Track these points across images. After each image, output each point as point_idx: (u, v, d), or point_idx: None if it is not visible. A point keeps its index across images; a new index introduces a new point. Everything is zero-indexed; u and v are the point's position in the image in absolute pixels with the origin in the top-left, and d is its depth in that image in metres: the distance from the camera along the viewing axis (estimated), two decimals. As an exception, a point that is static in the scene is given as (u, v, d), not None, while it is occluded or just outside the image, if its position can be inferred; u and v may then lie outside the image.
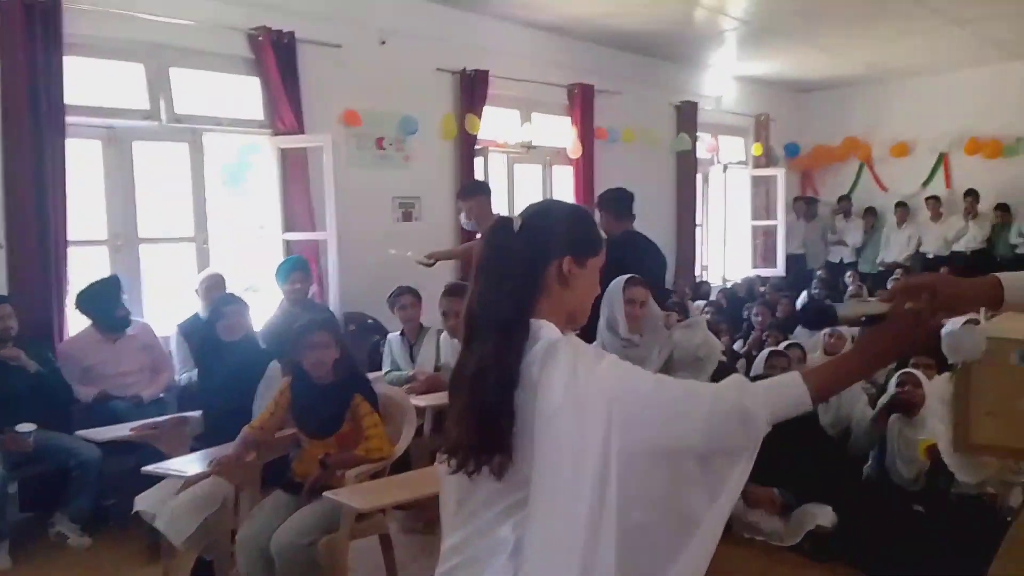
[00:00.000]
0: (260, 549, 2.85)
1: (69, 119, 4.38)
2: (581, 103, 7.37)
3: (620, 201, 4.29)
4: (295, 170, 5.44)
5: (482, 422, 1.31)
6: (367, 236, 5.70)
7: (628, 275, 3.29)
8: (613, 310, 3.24)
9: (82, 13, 4.41)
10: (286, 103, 5.25)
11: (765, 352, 4.67)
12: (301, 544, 2.81)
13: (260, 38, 5.16)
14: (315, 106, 5.44)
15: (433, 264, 4.97)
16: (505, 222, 1.44)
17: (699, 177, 9.08)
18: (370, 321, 5.61)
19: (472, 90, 6.43)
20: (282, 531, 2.83)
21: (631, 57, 7.90)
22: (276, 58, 5.18)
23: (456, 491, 1.43)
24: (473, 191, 4.77)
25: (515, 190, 7.25)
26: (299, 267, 4.90)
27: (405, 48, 5.99)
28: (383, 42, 5.88)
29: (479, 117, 6.47)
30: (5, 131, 4.18)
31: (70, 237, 4.42)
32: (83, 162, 4.62)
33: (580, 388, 1.29)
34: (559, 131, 7.45)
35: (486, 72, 6.47)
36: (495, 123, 6.86)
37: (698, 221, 9.10)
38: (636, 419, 1.29)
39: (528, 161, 7.36)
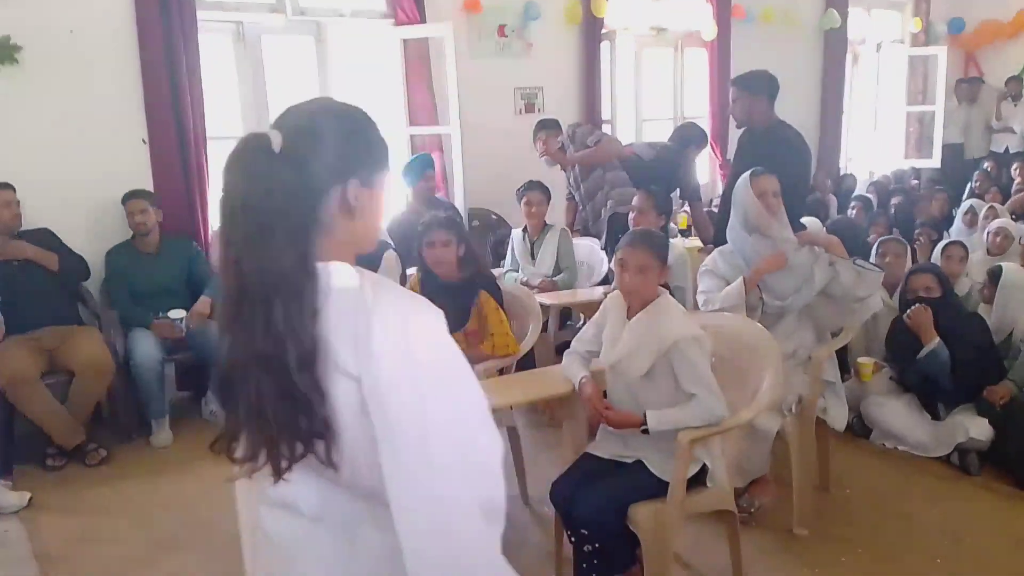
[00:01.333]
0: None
1: (200, 15, 4.43)
2: (716, -21, 6.81)
3: (762, 85, 3.86)
4: (417, 62, 5.34)
5: (291, 409, 1.02)
6: (490, 129, 5.58)
7: (751, 169, 3.04)
8: (747, 209, 3.01)
9: (206, -96, 4.38)
10: (407, -10, 5.11)
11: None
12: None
13: (379, -78, 4.98)
14: (436, -7, 5.27)
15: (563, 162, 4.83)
16: (256, 142, 1.05)
17: (848, 58, 8.31)
18: (494, 217, 5.58)
19: (597, -31, 6.04)
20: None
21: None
22: (396, -57, 5.01)
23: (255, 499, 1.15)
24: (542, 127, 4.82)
25: (643, 77, 6.89)
26: (430, 165, 4.89)
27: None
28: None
29: (605, -1, 6.10)
30: (140, 30, 4.27)
31: (208, 133, 4.56)
32: (215, 59, 4.69)
33: (404, 344, 1.02)
34: (692, 12, 6.94)
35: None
36: (623, 5, 6.45)
37: (843, 108, 8.39)
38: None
39: (658, 45, 6.93)
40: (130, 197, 4.16)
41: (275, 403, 1.03)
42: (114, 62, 4.25)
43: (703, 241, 4.77)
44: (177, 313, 4.01)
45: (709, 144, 5.21)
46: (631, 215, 3.72)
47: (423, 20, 5.21)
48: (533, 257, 4.37)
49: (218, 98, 4.70)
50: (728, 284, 3.01)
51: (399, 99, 5.39)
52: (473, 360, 2.93)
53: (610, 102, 6.52)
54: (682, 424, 2.31)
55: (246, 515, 1.24)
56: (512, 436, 3.18)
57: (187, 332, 4.01)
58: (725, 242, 3.86)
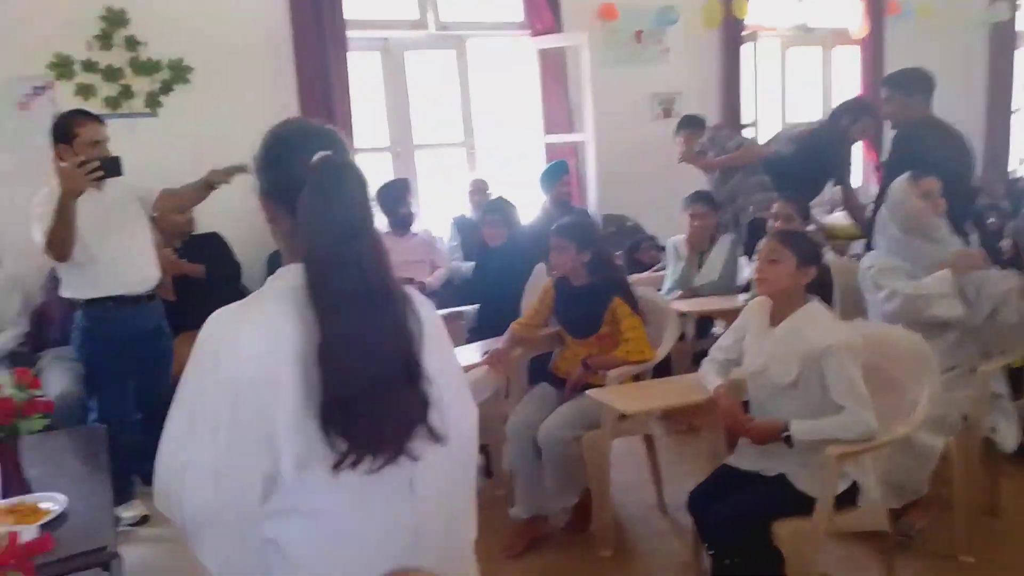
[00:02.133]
0: (528, 438, 2.98)
1: (349, 33, 4.69)
2: (869, -27, 6.46)
3: (917, 82, 3.65)
4: (552, 71, 5.40)
5: (412, 397, 1.24)
6: (625, 135, 5.56)
7: (910, 171, 2.86)
8: (908, 211, 2.83)
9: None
10: (543, 1, 5.18)
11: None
12: (566, 437, 2.90)
13: (519, -65, 5.09)
14: (572, 2, 5.31)
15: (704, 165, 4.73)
16: (354, 162, 1.25)
17: (1017, 54, 7.65)
18: (629, 223, 5.54)
19: (740, -31, 5.88)
20: (548, 423, 2.94)
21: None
22: (534, -45, 5.10)
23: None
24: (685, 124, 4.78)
25: (788, 78, 6.63)
26: (565, 171, 4.93)
27: (666, -71, 5.60)
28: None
29: (747, -1, 5.93)
30: (297, 48, 4.57)
31: (356, 146, 4.81)
32: (363, 75, 4.94)
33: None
34: (841, 8, 6.62)
35: (757, -52, 5.87)
36: (765, 5, 6.24)
37: (1014, 107, 7.73)
38: None
39: (804, 44, 6.66)
40: None
41: (399, 398, 1.20)
42: (273, 80, 4.57)
43: (856, 220, 4.57)
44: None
45: (871, 116, 4.68)
46: (772, 223, 3.60)
47: (559, 29, 5.27)
48: (699, 268, 4.24)
49: (364, 111, 4.94)
50: (908, 279, 2.83)
51: (535, 108, 5.46)
52: (606, 365, 2.98)
53: (753, 105, 6.32)
54: (829, 437, 2.21)
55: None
56: (648, 444, 3.14)
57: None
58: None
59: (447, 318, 3.78)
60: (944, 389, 2.57)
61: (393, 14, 5.07)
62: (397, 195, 4.72)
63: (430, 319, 1.32)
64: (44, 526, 2.09)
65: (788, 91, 6.67)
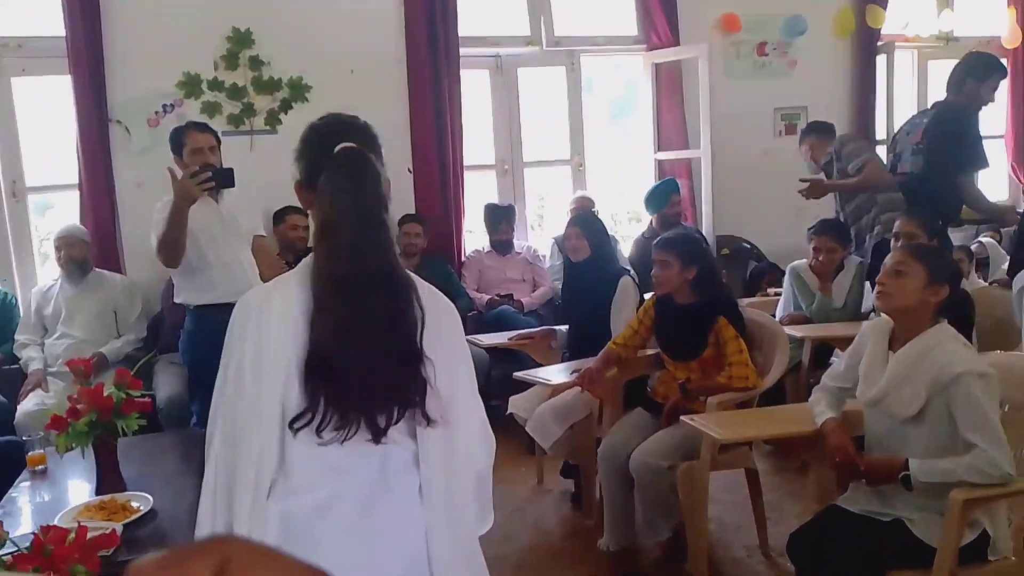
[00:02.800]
0: (620, 464, 2.83)
1: (462, 51, 4.72)
2: (1024, -24, 5.91)
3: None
4: (669, 85, 5.24)
5: (405, 378, 1.29)
6: (744, 153, 5.31)
7: None
8: None
9: (472, -53, 4.67)
10: (661, 13, 5.04)
11: None
12: (660, 466, 2.72)
13: (635, -52, 4.99)
14: (691, 14, 5.14)
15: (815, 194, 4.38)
16: (368, 155, 1.34)
17: None
18: (745, 245, 5.26)
19: (876, -24, 5.52)
20: (641, 450, 2.78)
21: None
22: (651, -33, 4.98)
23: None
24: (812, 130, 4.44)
25: (928, 93, 6.14)
26: (676, 190, 4.75)
27: (794, -65, 5.34)
28: (768, -68, 5.30)
29: (884, 7, 5.54)
30: (410, 67, 4.64)
31: (465, 162, 4.83)
32: (474, 91, 4.96)
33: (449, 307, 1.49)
34: (989, 16, 6.08)
35: (895, -47, 5.50)
36: (903, 13, 5.82)
37: None
38: None
39: (947, 56, 6.12)
40: (408, 220, 4.51)
41: (391, 376, 1.25)
42: (387, 97, 4.66)
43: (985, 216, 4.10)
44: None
45: (1001, 71, 4.02)
46: (895, 243, 3.26)
47: (677, 42, 5.10)
48: (824, 292, 3.90)
49: (475, 127, 4.95)
50: None
51: (648, 123, 5.31)
52: (707, 391, 2.78)
53: (886, 120, 5.89)
54: (955, 478, 1.93)
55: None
56: (751, 480, 2.90)
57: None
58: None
59: (541, 335, 3.72)
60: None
61: (506, 30, 5.07)
62: (498, 219, 4.71)
63: (437, 311, 1.35)
64: (129, 524, 2.14)
65: (928, 105, 6.17)
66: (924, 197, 3.85)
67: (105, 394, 2.43)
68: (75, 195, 4.22)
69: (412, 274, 1.36)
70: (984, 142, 4.06)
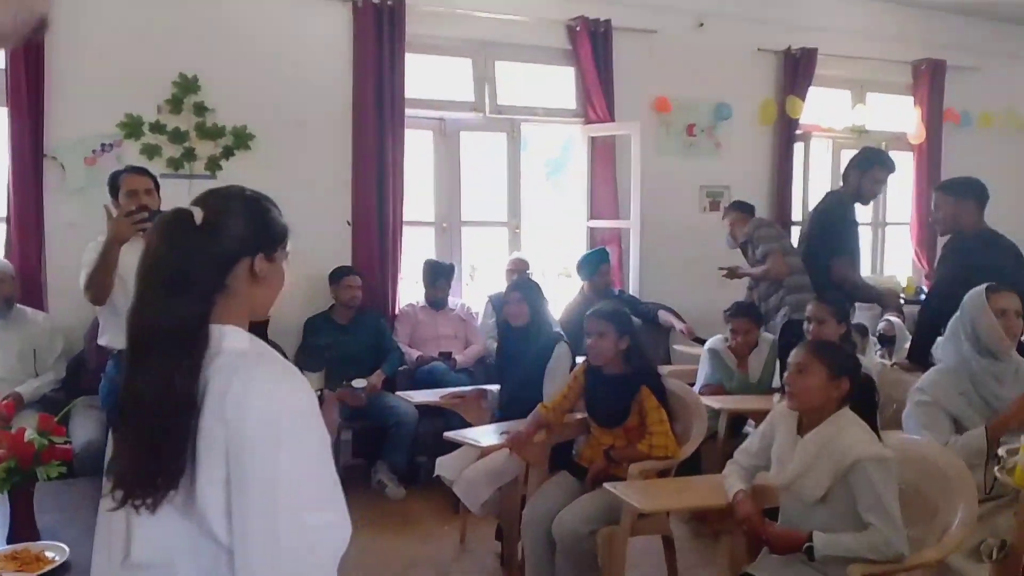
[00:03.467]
0: (544, 528, 2.90)
1: (407, 111, 4.85)
2: (929, 81, 6.48)
3: (969, 189, 3.59)
4: (603, 158, 5.48)
5: (162, 452, 1.15)
6: (671, 226, 5.57)
7: (989, 283, 2.76)
8: (976, 324, 2.68)
9: (422, 14, 4.84)
10: (599, 91, 5.30)
11: None
12: (582, 532, 2.81)
13: (578, 28, 5.26)
14: (627, 94, 5.43)
15: (732, 277, 4.64)
16: (183, 215, 1.23)
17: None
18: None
19: (796, 71, 5.96)
20: (565, 515, 2.86)
21: (993, 27, 6.73)
22: (592, 47, 5.25)
23: (122, 540, 1.23)
24: (735, 208, 4.72)
25: (839, 179, 6.59)
26: (605, 259, 4.94)
27: (724, 30, 5.72)
28: (701, 24, 5.67)
29: (803, 99, 5.97)
30: (355, 122, 4.74)
31: (404, 219, 4.92)
32: (416, 151, 5.09)
33: (277, 406, 1.17)
34: (897, 113, 6.62)
35: (814, 50, 5.95)
36: (820, 106, 6.28)
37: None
38: None
39: (858, 147, 6.60)
40: (348, 273, 4.54)
41: (145, 445, 1.16)
42: (330, 151, 4.73)
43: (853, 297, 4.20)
44: (360, 382, 4.25)
45: (883, 165, 4.17)
46: (808, 326, 3.49)
47: (612, 118, 5.37)
48: (741, 369, 4.11)
49: (416, 186, 5.06)
50: (951, 417, 2.67)
51: (582, 192, 5.53)
52: (630, 458, 2.90)
53: (802, 204, 6.29)
54: (853, 554, 2.09)
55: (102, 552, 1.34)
56: (667, 546, 3.01)
57: (365, 401, 4.24)
58: (923, 359, 3.51)
59: (473, 395, 3.79)
60: (987, 514, 2.42)
61: (451, 95, 5.24)
62: (437, 276, 4.80)
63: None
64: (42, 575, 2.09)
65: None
66: (819, 278, 4.09)
67: (26, 439, 2.38)
68: (1, 229, 4.11)
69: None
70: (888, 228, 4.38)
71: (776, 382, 3.87)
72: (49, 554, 2.20)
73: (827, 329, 3.39)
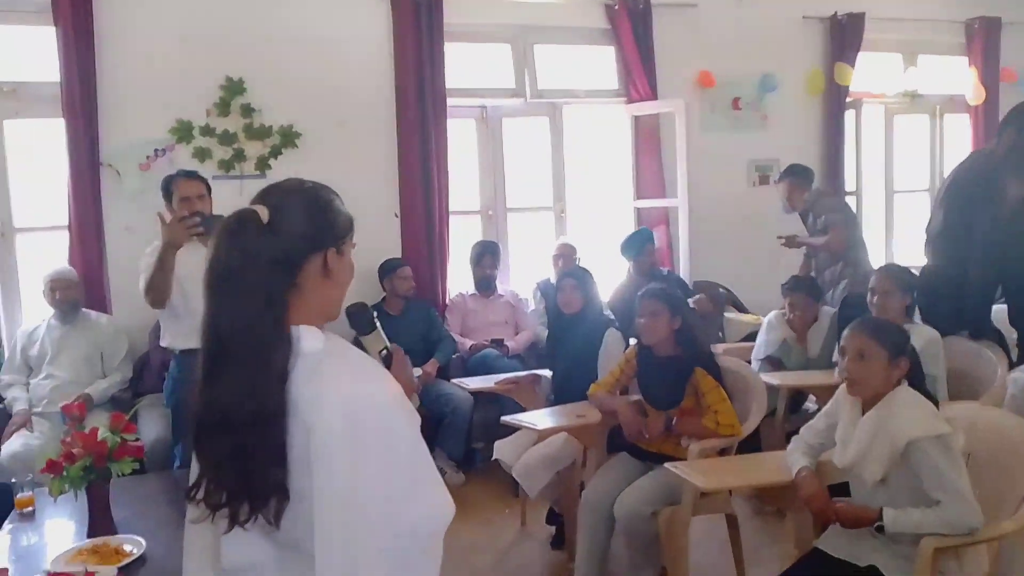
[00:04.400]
0: (604, 509, 2.90)
1: (449, 101, 4.86)
2: (983, 40, 6.23)
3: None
4: (647, 137, 5.42)
5: (248, 467, 1.10)
6: (720, 202, 5.49)
7: None
8: None
9: (459, 2, 4.83)
10: (640, 70, 5.24)
11: None
12: (643, 512, 2.79)
13: (616, 7, 5.20)
14: (669, 71, 5.35)
15: (791, 246, 4.55)
16: (248, 216, 1.16)
17: None
18: (722, 290, 5.41)
19: (844, 36, 5.79)
20: (626, 495, 2.85)
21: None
22: (632, 25, 5.19)
23: (211, 545, 1.22)
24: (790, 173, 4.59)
25: (894, 146, 6.41)
26: (650, 239, 4.88)
27: (767, -1, 5.60)
28: (744, -5, 5.55)
29: (852, 66, 5.80)
30: (399, 114, 4.77)
31: (450, 208, 4.94)
32: (459, 140, 5.09)
33: (358, 407, 1.11)
34: (952, 75, 6.38)
35: (861, 15, 5.77)
36: (870, 72, 6.09)
37: None
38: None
39: (912, 111, 6.44)
40: (400, 264, 4.58)
41: (234, 460, 1.12)
42: (376, 145, 4.78)
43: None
44: (414, 371, 4.29)
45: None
46: (872, 298, 3.39)
47: (656, 96, 5.30)
48: (800, 344, 4.00)
49: (460, 174, 5.08)
50: None
51: (627, 172, 5.47)
52: (692, 432, 2.87)
53: (855, 174, 6.13)
54: (925, 529, 2.04)
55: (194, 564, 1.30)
56: (731, 524, 2.98)
57: (420, 390, 4.27)
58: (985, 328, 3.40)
59: (527, 380, 3.79)
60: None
61: (491, 82, 5.23)
62: (483, 254, 4.82)
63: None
64: (122, 568, 2.17)
65: (894, 160, 6.43)
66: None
67: (99, 438, 2.47)
68: (61, 236, 4.25)
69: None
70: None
71: (836, 357, 3.79)
72: (127, 547, 2.28)
73: (893, 301, 3.30)
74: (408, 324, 4.55)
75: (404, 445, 1.16)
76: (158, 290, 3.10)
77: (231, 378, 1.11)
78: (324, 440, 1.10)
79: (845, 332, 2.29)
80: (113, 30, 4.23)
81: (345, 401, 1.11)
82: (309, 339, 1.16)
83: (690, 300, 4.20)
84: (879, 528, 2.08)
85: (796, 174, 4.67)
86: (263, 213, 1.17)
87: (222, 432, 1.12)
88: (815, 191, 4.64)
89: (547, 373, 3.74)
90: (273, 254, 1.15)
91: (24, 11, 4.18)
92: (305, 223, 1.19)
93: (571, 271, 3.69)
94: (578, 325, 3.39)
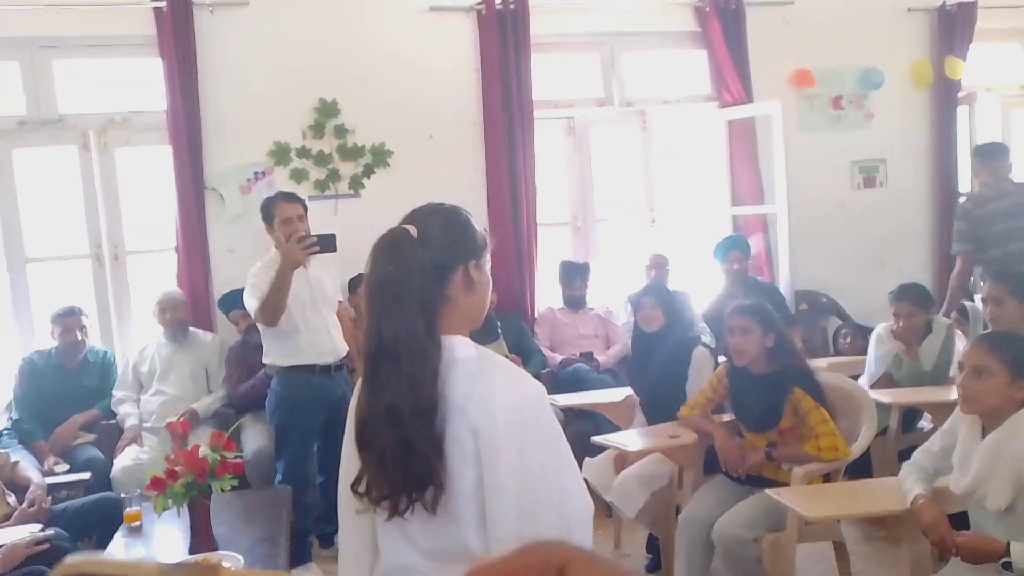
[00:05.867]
0: (702, 533, 2.78)
1: (536, 113, 4.83)
2: (1112, 23, 5.73)
3: None
4: (741, 140, 5.23)
5: (409, 457, 1.24)
6: (822, 206, 5.24)
7: None
8: None
9: (544, 12, 4.81)
10: (733, 72, 5.06)
11: None
12: (744, 538, 2.67)
13: (707, 9, 5.05)
14: (763, 71, 5.14)
15: None
16: (401, 233, 1.31)
17: None
18: (824, 300, 5.16)
19: (954, 27, 5.43)
20: (726, 520, 2.73)
21: None
22: (722, 27, 5.03)
23: (367, 541, 1.37)
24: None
25: (1013, 142, 5.96)
26: (736, 246, 4.71)
27: (870, -10, 5.32)
28: (844, -14, 5.30)
29: (963, 59, 5.44)
30: (486, 128, 4.78)
31: (538, 220, 4.90)
32: (548, 150, 5.06)
33: (522, 404, 1.27)
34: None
35: (973, 3, 5.40)
36: (983, 63, 5.70)
37: None
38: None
39: (1031, 104, 5.98)
40: None
41: (396, 451, 1.24)
42: (464, 159, 4.80)
43: None
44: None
45: None
46: (984, 308, 3.14)
47: (750, 99, 5.11)
48: (910, 357, 3.77)
49: (548, 185, 5.04)
50: None
51: (723, 179, 5.30)
52: (793, 459, 2.73)
53: (970, 172, 5.73)
54: (1059, 567, 1.85)
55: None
56: (839, 552, 2.81)
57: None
58: None
59: (628, 399, 3.69)
60: None
61: (579, 92, 5.17)
62: (573, 276, 4.76)
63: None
64: (221, 586, 2.22)
65: (1015, 156, 5.98)
66: None
67: (200, 455, 2.55)
68: (168, 258, 4.44)
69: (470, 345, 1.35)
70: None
71: (954, 371, 3.53)
72: (226, 564, 2.33)
73: (1007, 311, 3.04)
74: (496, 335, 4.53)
75: (560, 438, 1.31)
76: (274, 310, 3.19)
77: (393, 378, 1.26)
78: (493, 434, 1.24)
79: (967, 346, 2.12)
80: (213, 59, 4.41)
81: (510, 399, 1.26)
82: (462, 347, 1.31)
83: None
84: (1006, 565, 1.90)
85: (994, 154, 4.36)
86: (412, 230, 1.32)
87: (386, 427, 1.26)
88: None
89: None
90: (425, 265, 1.30)
91: (131, 44, 4.41)
92: (449, 237, 1.35)
93: (650, 288, 3.58)
94: (662, 343, 3.29)
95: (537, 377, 4.40)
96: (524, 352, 4.55)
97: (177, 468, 2.52)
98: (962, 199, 4.74)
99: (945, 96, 5.51)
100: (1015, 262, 3.83)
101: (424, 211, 1.38)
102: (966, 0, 5.39)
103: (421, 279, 1.28)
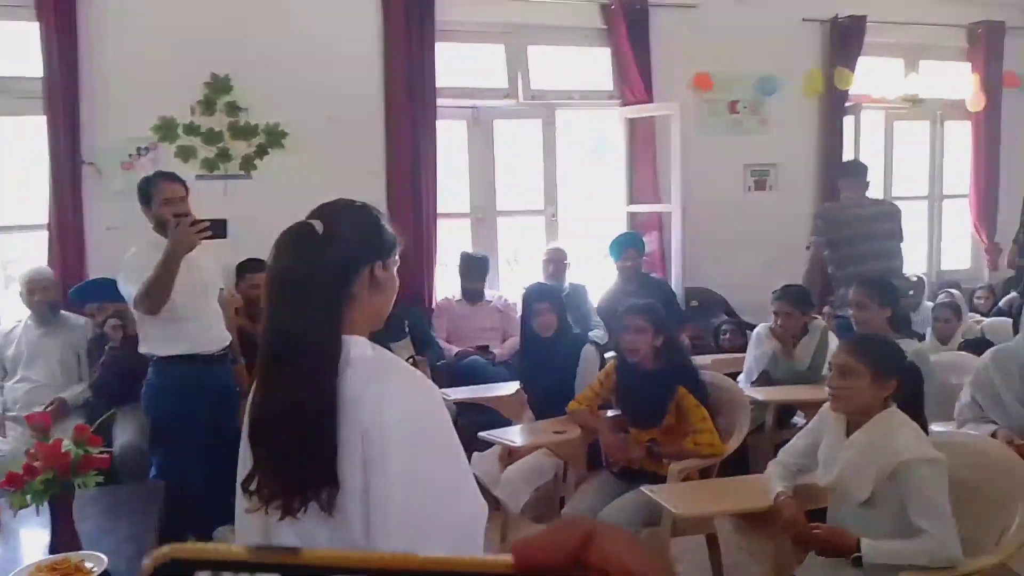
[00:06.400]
0: (584, 528, 2.83)
1: (439, 102, 4.78)
2: (986, 45, 6.13)
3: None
4: (642, 140, 5.33)
5: (305, 457, 1.21)
6: (715, 207, 5.41)
7: None
8: None
9: (451, 1, 4.75)
10: (635, 72, 5.15)
11: None
12: (623, 532, 2.73)
13: (612, 7, 5.11)
14: (665, 73, 5.26)
15: None
16: (305, 229, 1.27)
17: None
18: (714, 297, 5.33)
19: (844, 40, 5.70)
20: (606, 514, 2.79)
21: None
22: (628, 26, 5.11)
23: (262, 537, 1.30)
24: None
25: (894, 151, 6.32)
26: (632, 243, 4.81)
27: (767, 0, 5.50)
28: (744, -4, 5.46)
29: (852, 70, 5.71)
30: (387, 114, 4.70)
31: (439, 211, 4.86)
32: (449, 141, 5.02)
33: (416, 408, 1.26)
34: (954, 80, 6.29)
35: (863, 17, 5.67)
36: (870, 76, 6.00)
37: None
38: None
39: (912, 117, 6.34)
40: None
41: (291, 452, 1.22)
42: (363, 145, 4.70)
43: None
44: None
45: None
46: (849, 312, 3.33)
47: (651, 99, 5.21)
48: (786, 356, 3.96)
49: (450, 177, 5.00)
50: (1000, 400, 2.56)
51: (621, 176, 5.39)
52: (672, 456, 2.81)
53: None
54: (905, 561, 1.97)
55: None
56: (711, 544, 2.92)
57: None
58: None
59: (519, 392, 3.71)
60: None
61: (483, 82, 5.15)
62: (472, 269, 4.75)
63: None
64: (81, 587, 2.11)
65: (894, 165, 6.34)
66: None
67: (63, 449, 2.41)
68: (40, 236, 4.17)
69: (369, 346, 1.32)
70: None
71: (827, 370, 3.71)
72: (88, 564, 2.21)
73: (868, 314, 3.23)
74: (390, 324, 4.47)
75: (453, 444, 1.28)
76: (157, 298, 3.01)
77: (290, 376, 1.23)
78: (383, 436, 1.20)
79: (837, 348, 2.24)
80: (96, 25, 4.15)
81: (402, 405, 1.24)
82: (358, 347, 1.28)
83: None
84: (856, 560, 2.02)
85: (852, 173, 4.63)
86: (318, 226, 1.27)
87: (282, 425, 1.23)
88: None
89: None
90: (330, 263, 1.26)
91: (6, 6, 4.10)
92: (356, 236, 1.31)
93: (544, 293, 3.60)
94: (556, 347, 3.33)
95: (433, 369, 4.46)
96: (421, 343, 4.52)
97: (36, 464, 2.37)
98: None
99: (834, 106, 5.78)
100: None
101: (332, 207, 1.35)
102: (857, 14, 5.66)
103: (324, 276, 1.25)
